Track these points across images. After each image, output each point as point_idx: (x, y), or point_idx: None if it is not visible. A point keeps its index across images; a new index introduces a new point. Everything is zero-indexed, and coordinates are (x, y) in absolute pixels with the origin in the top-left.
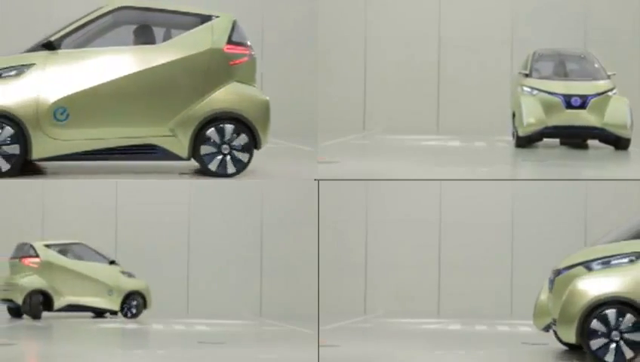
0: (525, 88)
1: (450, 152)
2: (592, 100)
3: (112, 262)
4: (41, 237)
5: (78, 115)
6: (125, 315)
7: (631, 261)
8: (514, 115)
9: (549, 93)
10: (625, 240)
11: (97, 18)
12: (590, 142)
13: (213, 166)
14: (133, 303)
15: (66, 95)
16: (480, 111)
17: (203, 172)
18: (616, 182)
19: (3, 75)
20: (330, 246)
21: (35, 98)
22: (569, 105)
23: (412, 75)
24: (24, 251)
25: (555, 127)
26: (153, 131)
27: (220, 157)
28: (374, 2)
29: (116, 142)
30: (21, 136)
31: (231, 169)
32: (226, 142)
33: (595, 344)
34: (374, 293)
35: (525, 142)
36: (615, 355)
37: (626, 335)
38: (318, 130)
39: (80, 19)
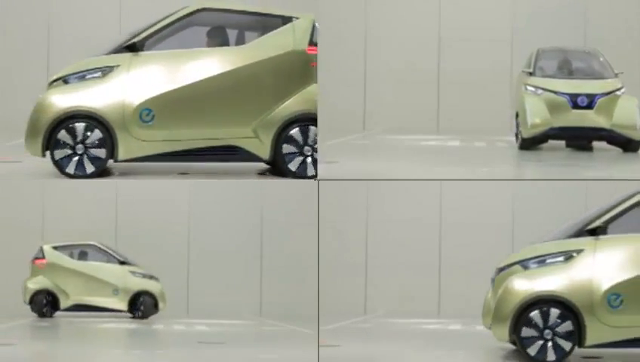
0: (529, 87)
1: (450, 152)
2: (600, 100)
3: (122, 263)
4: (41, 238)
5: (163, 117)
6: (135, 315)
7: (566, 259)
8: (517, 115)
9: (555, 92)
10: (563, 238)
11: (179, 19)
12: (592, 143)
13: (293, 166)
14: (140, 303)
15: (151, 96)
16: (480, 111)
17: (280, 173)
18: (616, 183)
19: (87, 77)
20: (330, 246)
21: (121, 100)
22: (575, 105)
23: (412, 74)
24: (36, 253)
25: (561, 128)
26: (236, 133)
27: (300, 158)
28: (374, 2)
29: (199, 143)
30: (108, 139)
31: (311, 170)
32: (309, 143)
33: (529, 342)
34: (374, 293)
35: (529, 143)
36: (555, 352)
37: (558, 329)
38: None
39: (161, 20)
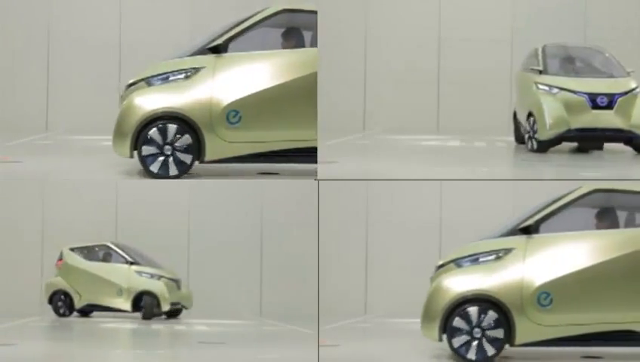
0: (541, 86)
1: (450, 152)
2: (620, 100)
3: (131, 263)
4: (41, 238)
5: (249, 118)
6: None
7: (497, 258)
8: (529, 115)
9: (573, 91)
10: (497, 237)
11: (261, 21)
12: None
13: None
14: (141, 303)
15: (238, 98)
16: (480, 111)
17: None
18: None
19: (170, 79)
20: (330, 246)
21: (208, 101)
22: (595, 106)
23: (412, 74)
24: (59, 255)
25: (580, 130)
26: (634, 317)
27: None
28: (374, 2)
29: (284, 145)
30: (195, 141)
31: None
32: None
33: (457, 341)
34: (374, 293)
35: (547, 146)
36: (477, 353)
37: (488, 332)
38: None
39: (244, 21)
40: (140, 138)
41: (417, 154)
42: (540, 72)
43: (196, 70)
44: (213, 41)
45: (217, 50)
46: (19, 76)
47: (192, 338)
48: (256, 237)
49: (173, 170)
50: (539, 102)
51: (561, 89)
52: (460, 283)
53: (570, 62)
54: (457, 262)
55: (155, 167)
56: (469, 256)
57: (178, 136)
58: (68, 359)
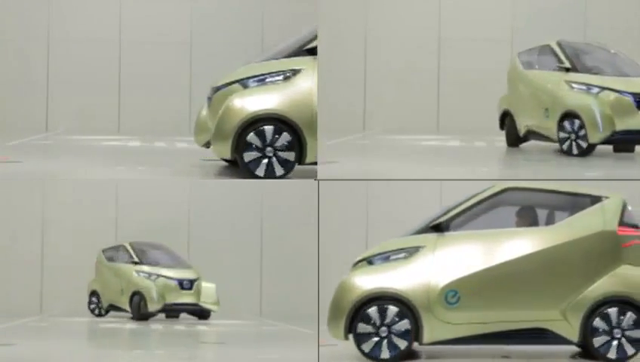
0: (577, 85)
1: (450, 152)
2: None
3: (135, 263)
4: (41, 238)
5: (469, 298)
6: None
7: (407, 256)
8: (566, 117)
9: (618, 91)
10: (409, 235)
11: (485, 200)
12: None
13: (612, 354)
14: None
15: (456, 278)
16: (480, 112)
17: (592, 356)
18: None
19: (268, 80)
20: (330, 246)
21: (427, 281)
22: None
23: (412, 75)
24: None
25: (624, 132)
26: (544, 315)
27: (615, 342)
28: (374, 2)
29: (506, 326)
30: (413, 321)
31: (630, 350)
32: (615, 326)
33: (363, 339)
34: None
35: (592, 149)
36: (389, 349)
37: (394, 328)
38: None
39: (467, 200)
40: (239, 143)
41: (417, 154)
42: (568, 70)
43: (417, 249)
44: (437, 219)
45: (440, 228)
46: (19, 76)
47: (192, 338)
48: (257, 237)
49: (279, 170)
50: (584, 102)
51: (603, 88)
52: (368, 281)
53: (593, 60)
54: (369, 260)
55: (260, 171)
56: (381, 253)
57: (276, 136)
58: (68, 359)
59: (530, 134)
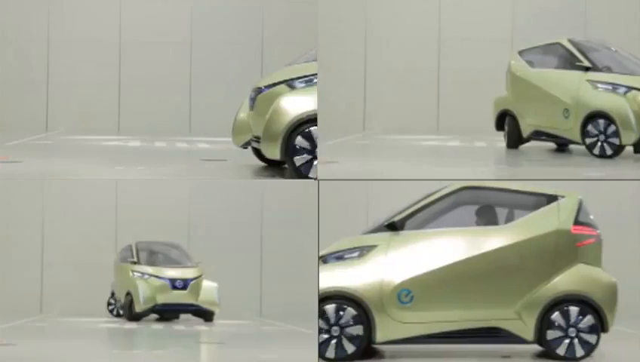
0: (602, 85)
1: (450, 152)
2: None
3: (134, 262)
4: (41, 238)
5: (422, 298)
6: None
7: (360, 255)
8: (593, 117)
9: None
10: (365, 233)
11: (440, 199)
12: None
13: (561, 350)
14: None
15: (409, 277)
16: (480, 112)
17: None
18: (616, 182)
19: (345, 257)
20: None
21: (380, 280)
22: None
23: (412, 75)
24: None
25: None
26: (498, 314)
27: (567, 341)
28: (374, 2)
29: (459, 325)
30: (365, 319)
31: (579, 352)
32: (572, 325)
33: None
34: None
35: (621, 151)
36: (336, 351)
37: (347, 330)
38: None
39: (422, 199)
40: (288, 147)
41: (417, 154)
42: (587, 69)
43: (368, 248)
44: (391, 218)
45: (394, 227)
46: (19, 76)
47: (192, 338)
48: (257, 237)
49: (350, 349)
50: (615, 103)
51: (631, 88)
52: (321, 279)
53: (603, 58)
54: (324, 259)
55: (313, 173)
56: (335, 252)
57: (341, 313)
58: (68, 359)
59: (537, 135)
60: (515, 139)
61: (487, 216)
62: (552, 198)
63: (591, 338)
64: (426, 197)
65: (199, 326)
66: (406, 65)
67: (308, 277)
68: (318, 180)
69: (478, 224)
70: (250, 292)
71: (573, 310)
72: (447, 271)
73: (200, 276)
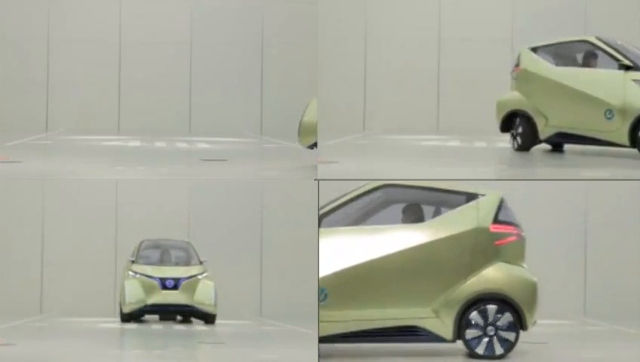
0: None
1: (450, 152)
2: None
3: (132, 261)
4: (41, 238)
5: (336, 296)
6: None
7: None
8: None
9: None
10: None
11: (358, 196)
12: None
13: (480, 349)
14: None
15: (323, 275)
16: (480, 112)
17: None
18: (616, 182)
19: None
20: None
21: None
22: None
23: (412, 75)
24: None
25: None
26: (415, 312)
27: (486, 339)
28: (374, 2)
29: (377, 324)
30: None
31: (499, 350)
32: (490, 323)
33: None
34: None
35: None
36: None
37: None
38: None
39: (340, 197)
40: None
41: (417, 154)
42: (628, 68)
43: None
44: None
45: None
46: (19, 76)
47: (192, 338)
48: (256, 237)
49: None
50: None
51: None
52: None
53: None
54: None
55: None
56: None
57: None
58: (68, 359)
59: (561, 137)
60: (529, 141)
61: (413, 215)
62: (471, 197)
63: (510, 336)
64: (343, 196)
65: (199, 326)
66: (406, 65)
67: (308, 277)
68: (318, 180)
69: (404, 222)
70: (250, 292)
71: (491, 308)
72: (362, 269)
73: (195, 275)
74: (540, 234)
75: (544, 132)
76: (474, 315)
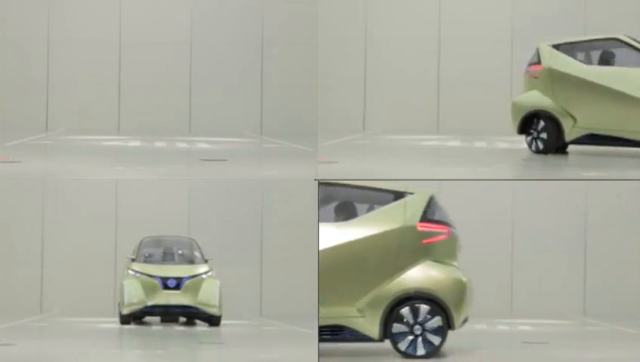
0: None
1: (450, 152)
2: None
3: (132, 260)
4: (41, 238)
5: None
6: None
7: None
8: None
9: None
10: None
11: None
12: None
13: (402, 346)
14: None
15: None
16: (480, 112)
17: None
18: (615, 182)
19: None
20: None
21: None
22: None
23: (412, 75)
24: None
25: None
26: (340, 312)
27: (411, 337)
28: (374, 2)
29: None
30: None
31: (420, 350)
32: (419, 322)
33: None
34: None
35: None
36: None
37: None
38: (318, 130)
39: None
40: None
41: (417, 154)
42: None
43: None
44: None
45: None
46: (19, 76)
47: (192, 339)
48: (257, 237)
49: None
50: None
51: None
52: None
53: None
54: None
55: None
56: None
57: None
58: (68, 359)
59: (593, 139)
60: (552, 143)
61: (345, 213)
62: (399, 195)
63: (435, 340)
64: None
65: (199, 326)
66: (406, 65)
67: (308, 277)
68: (318, 180)
69: (336, 220)
70: (250, 292)
71: (424, 308)
72: None
73: (199, 274)
74: (539, 234)
75: (571, 133)
76: (405, 311)
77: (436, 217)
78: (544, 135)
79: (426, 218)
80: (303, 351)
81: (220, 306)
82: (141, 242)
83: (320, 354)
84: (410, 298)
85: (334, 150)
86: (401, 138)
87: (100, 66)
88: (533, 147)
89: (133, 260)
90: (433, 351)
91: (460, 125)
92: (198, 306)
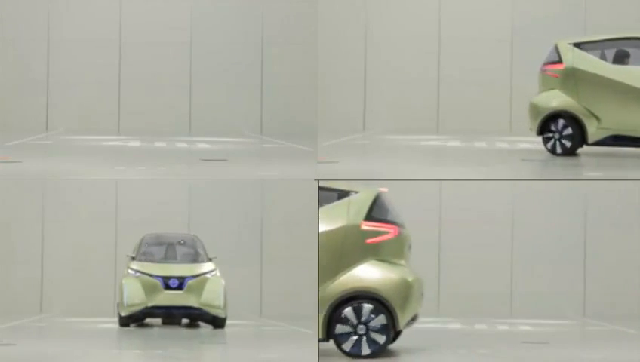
0: None
1: (450, 152)
2: None
3: (132, 258)
4: (41, 238)
5: None
6: None
7: None
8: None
9: None
10: None
11: None
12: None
13: (347, 346)
14: None
15: None
16: (480, 112)
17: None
18: (616, 182)
19: None
20: None
21: None
22: None
23: (412, 74)
24: None
25: None
26: None
27: (355, 337)
28: (374, 2)
29: None
30: None
31: (365, 350)
32: (362, 322)
33: None
34: None
35: None
36: None
37: None
38: (318, 130)
39: None
40: None
41: (417, 154)
42: None
43: None
44: None
45: None
46: (19, 76)
47: (193, 339)
48: (257, 237)
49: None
50: None
51: None
52: None
53: None
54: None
55: None
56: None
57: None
58: (68, 359)
59: (617, 140)
60: (576, 144)
61: None
62: (343, 194)
63: (380, 338)
64: None
65: (199, 326)
66: (406, 65)
67: (308, 277)
68: (318, 180)
69: None
70: (251, 292)
71: (367, 307)
72: None
73: (203, 274)
74: (539, 234)
75: (595, 135)
76: (348, 311)
77: (382, 216)
78: (567, 136)
79: (370, 217)
80: (303, 351)
81: (225, 307)
82: (142, 239)
83: (320, 354)
84: (353, 297)
85: (334, 150)
86: (401, 138)
87: (99, 66)
88: (557, 149)
89: (133, 259)
90: (379, 350)
91: (460, 125)
92: (202, 307)
